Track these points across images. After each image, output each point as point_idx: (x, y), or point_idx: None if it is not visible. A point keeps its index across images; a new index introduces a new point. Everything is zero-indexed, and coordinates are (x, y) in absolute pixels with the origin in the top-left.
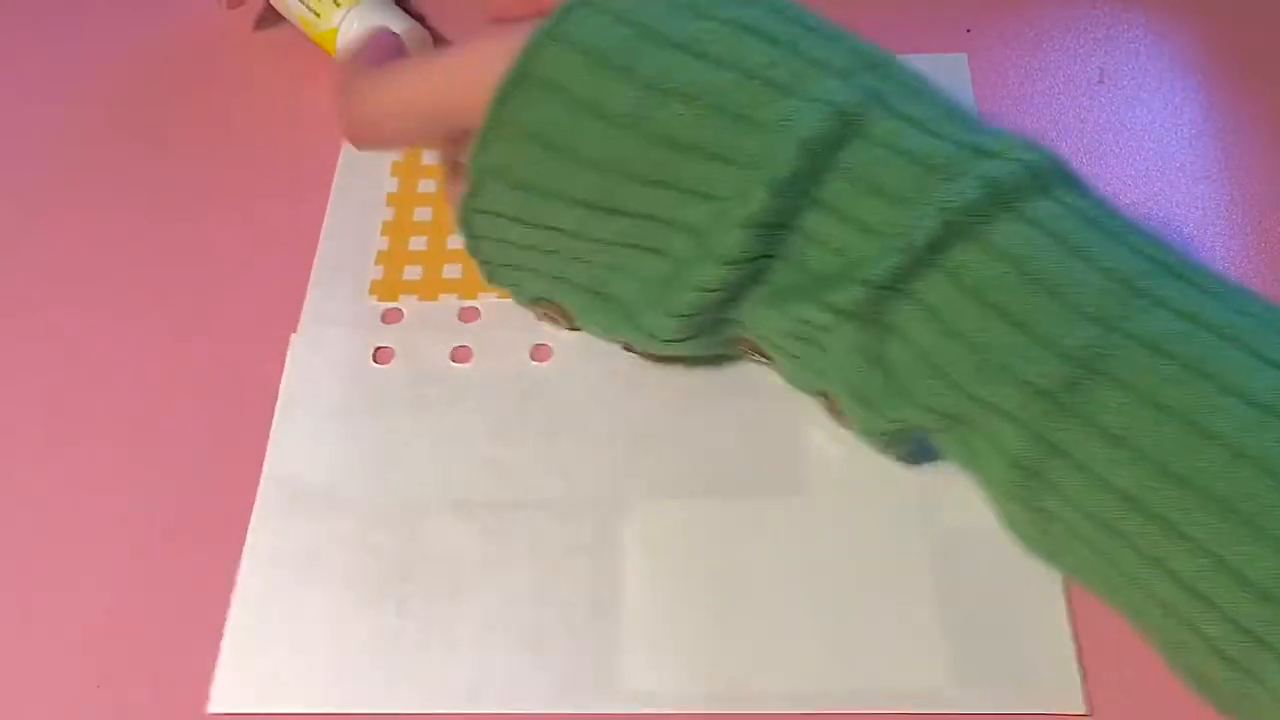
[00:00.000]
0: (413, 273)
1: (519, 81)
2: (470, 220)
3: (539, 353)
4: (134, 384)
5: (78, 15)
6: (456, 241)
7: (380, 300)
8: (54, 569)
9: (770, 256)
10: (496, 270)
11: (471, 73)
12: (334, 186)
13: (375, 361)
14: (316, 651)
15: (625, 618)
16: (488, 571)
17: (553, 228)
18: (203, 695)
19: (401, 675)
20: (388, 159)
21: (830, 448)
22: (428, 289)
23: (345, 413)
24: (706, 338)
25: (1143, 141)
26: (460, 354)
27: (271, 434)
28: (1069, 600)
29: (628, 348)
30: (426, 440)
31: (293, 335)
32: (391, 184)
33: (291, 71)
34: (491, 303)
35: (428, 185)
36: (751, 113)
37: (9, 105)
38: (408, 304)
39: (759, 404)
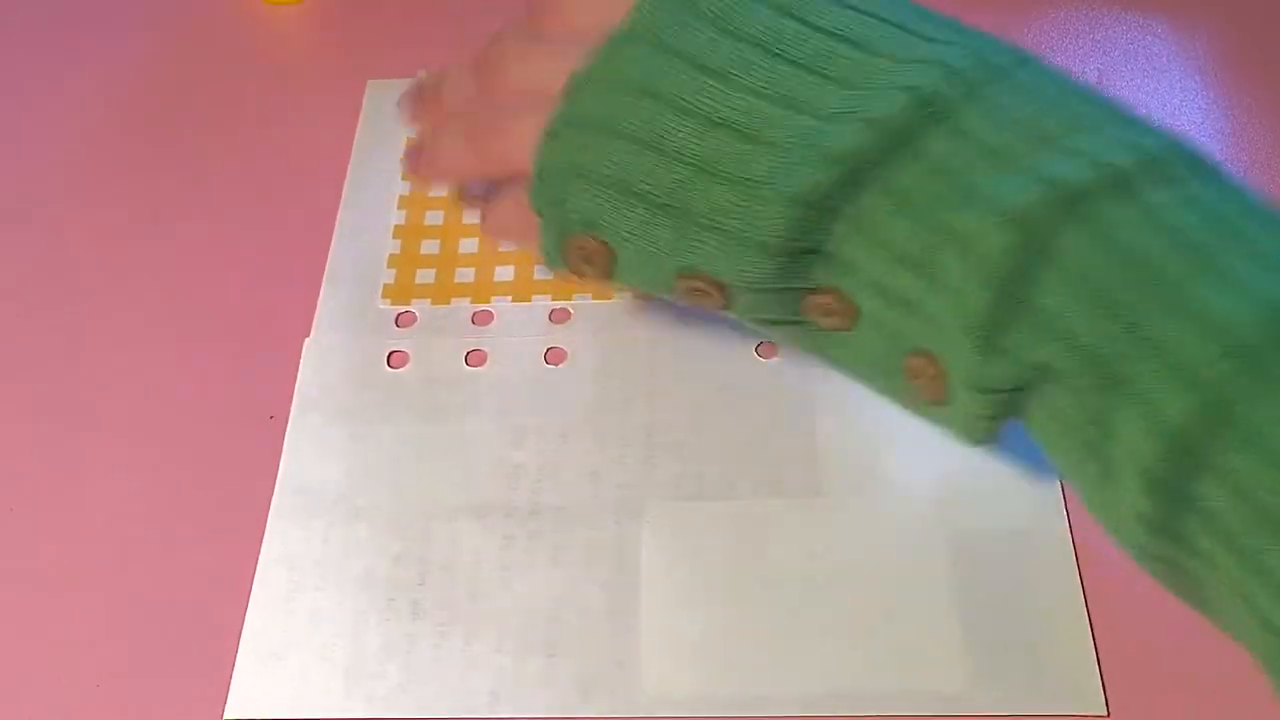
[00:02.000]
0: (425, 276)
1: None
2: (577, 91)
3: (553, 355)
4: (148, 389)
5: (87, 15)
6: (469, 245)
7: (393, 304)
8: (68, 574)
9: (902, 145)
10: (550, 178)
11: None
12: (345, 189)
13: (389, 366)
14: (334, 657)
15: (644, 621)
16: (506, 576)
17: (667, 98)
18: (220, 701)
19: (420, 679)
20: (397, 166)
21: (849, 450)
22: (440, 293)
23: (360, 417)
24: (788, 279)
25: None
26: (475, 358)
27: (286, 439)
28: (1087, 601)
29: (685, 280)
30: (442, 444)
31: (306, 340)
32: (403, 187)
33: (305, 73)
34: (505, 306)
35: (439, 189)
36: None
37: (18, 105)
38: (420, 308)
39: (776, 406)
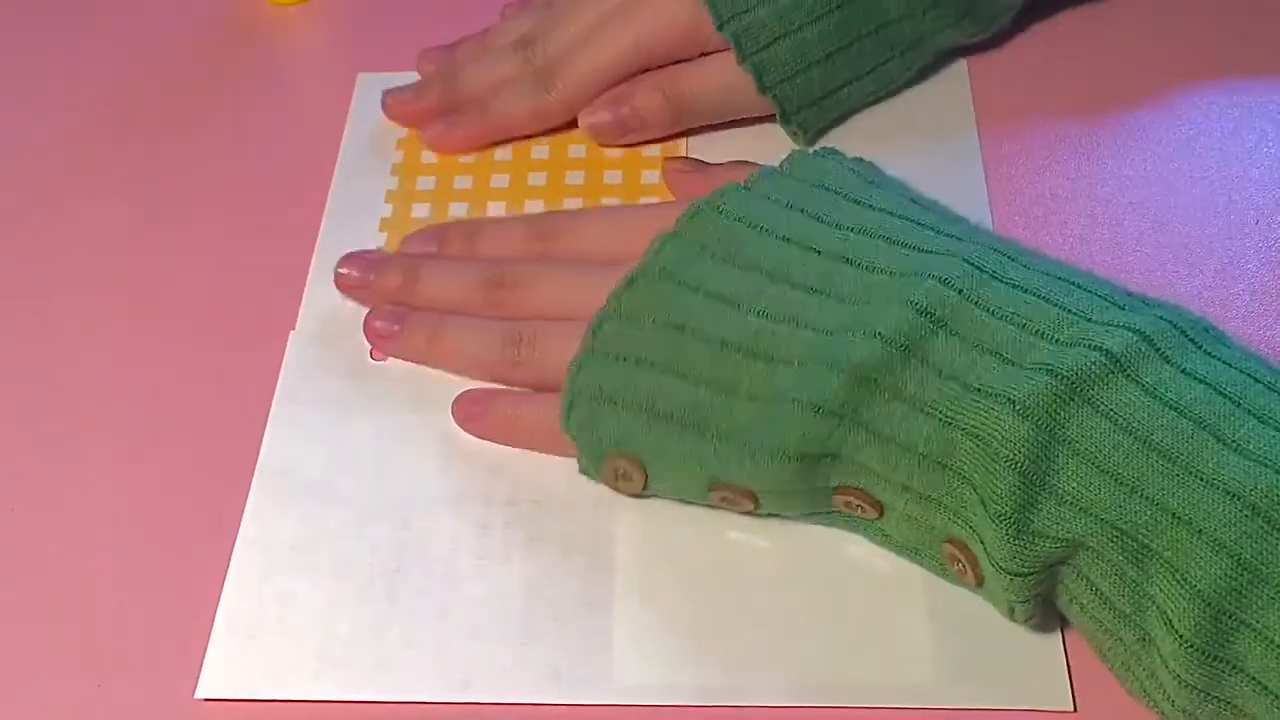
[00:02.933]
0: None
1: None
2: (600, 327)
3: None
4: (132, 377)
5: (75, 9)
6: None
7: None
8: (45, 554)
9: (909, 354)
10: (579, 405)
11: None
12: (334, 182)
13: (373, 357)
14: (307, 639)
15: (617, 610)
16: (481, 564)
17: (686, 329)
18: (192, 681)
19: (391, 664)
20: (388, 155)
21: None
22: None
23: (342, 406)
24: (810, 481)
25: (1140, 142)
26: None
27: (268, 425)
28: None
29: (717, 490)
30: (422, 434)
31: (291, 332)
32: (391, 182)
33: (292, 65)
34: None
35: (426, 183)
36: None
37: (14, 103)
38: None
39: None
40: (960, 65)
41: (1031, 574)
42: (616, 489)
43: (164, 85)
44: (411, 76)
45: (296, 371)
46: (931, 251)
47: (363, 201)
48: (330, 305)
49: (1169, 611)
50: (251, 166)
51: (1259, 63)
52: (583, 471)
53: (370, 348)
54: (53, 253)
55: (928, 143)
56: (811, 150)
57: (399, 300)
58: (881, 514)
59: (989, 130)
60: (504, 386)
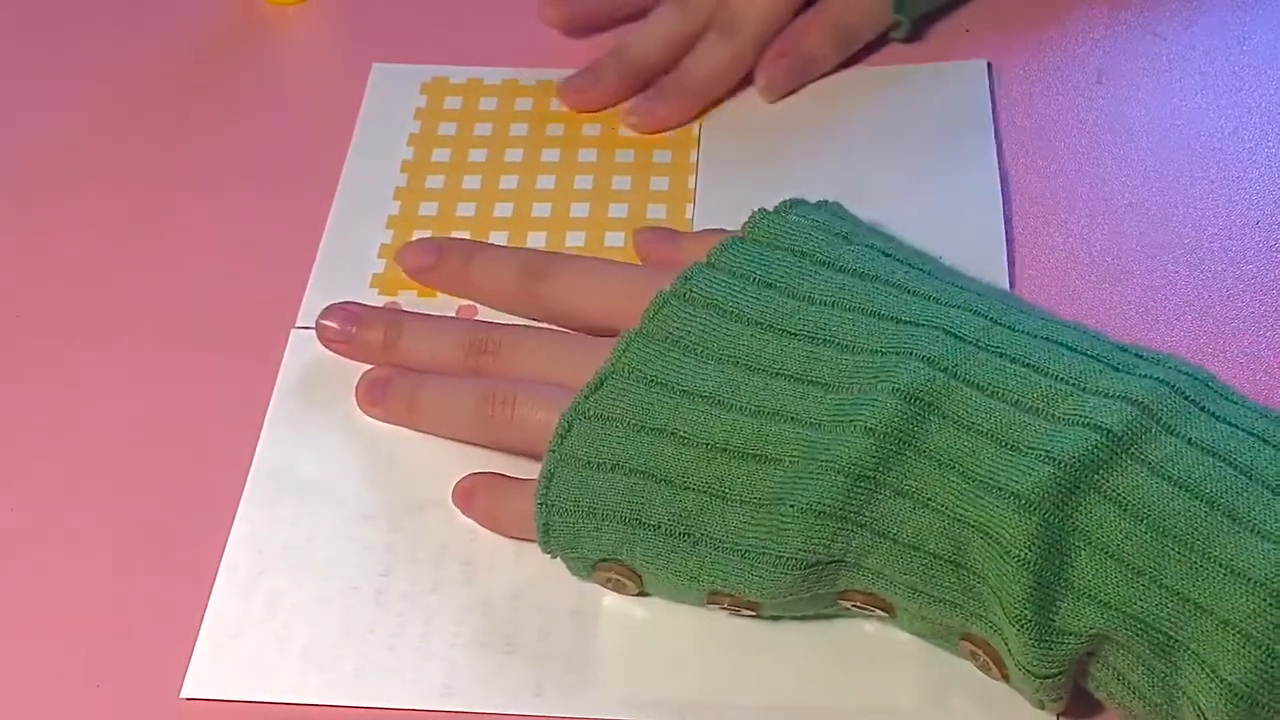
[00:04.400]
0: None
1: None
2: (569, 430)
3: None
4: (132, 375)
5: (74, 9)
6: (460, 238)
7: (381, 294)
8: (37, 551)
9: (905, 446)
10: (556, 522)
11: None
12: (341, 179)
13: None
14: (293, 641)
15: (603, 623)
16: (470, 570)
17: (665, 431)
18: (178, 680)
19: (375, 668)
20: (398, 152)
21: None
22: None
23: (338, 407)
24: (814, 587)
25: (1141, 142)
26: None
27: (265, 424)
28: None
29: (715, 598)
30: (416, 437)
31: (292, 330)
32: (400, 179)
33: (293, 65)
34: None
35: (435, 181)
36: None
37: (20, 101)
38: (407, 299)
39: None
40: (980, 66)
41: (1060, 674)
42: (617, 591)
43: (164, 86)
44: (424, 70)
45: (296, 369)
46: (911, 322)
47: (371, 198)
48: (333, 296)
49: (1201, 705)
50: (253, 166)
51: (1259, 63)
52: (575, 574)
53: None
54: (53, 252)
55: (944, 141)
56: (773, 208)
57: (381, 357)
58: (893, 614)
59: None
60: (495, 472)
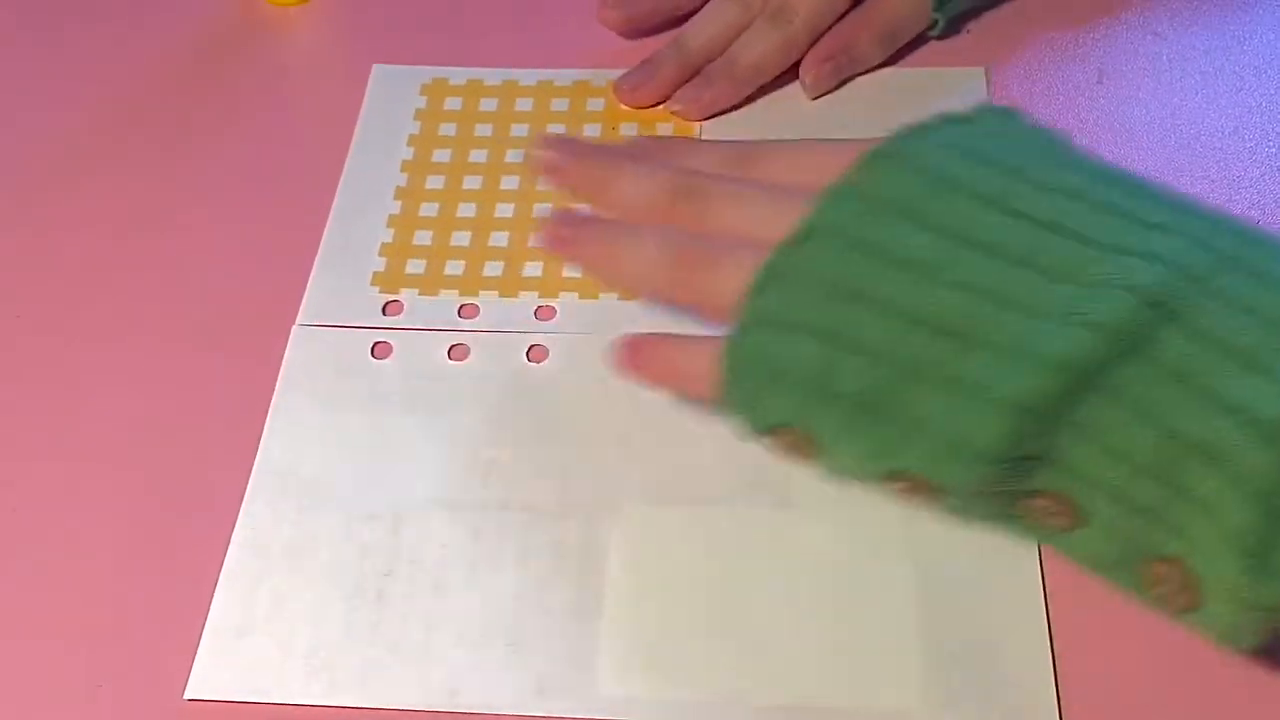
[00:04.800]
0: (415, 266)
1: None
2: (764, 287)
3: (535, 353)
4: (132, 374)
5: (73, 10)
6: (461, 238)
7: (382, 291)
8: (38, 551)
9: (1132, 350)
10: (738, 382)
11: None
12: (342, 178)
13: (373, 356)
14: (295, 642)
15: (606, 623)
16: (472, 571)
17: (864, 296)
18: (182, 681)
19: (378, 669)
20: (396, 156)
21: None
22: (429, 283)
23: (340, 406)
24: (1006, 483)
25: (1141, 142)
26: (457, 352)
27: (267, 423)
28: (1050, 623)
29: (894, 479)
30: (419, 436)
31: (294, 327)
32: (401, 178)
33: (302, 58)
34: (492, 300)
35: (435, 181)
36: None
37: (21, 101)
38: (408, 297)
39: None
40: (978, 74)
41: (1275, 609)
42: (786, 458)
43: (164, 86)
44: (424, 70)
45: (297, 368)
46: (1156, 226)
47: (371, 197)
48: (334, 295)
49: None
50: (254, 165)
51: (1259, 63)
52: (746, 438)
53: (371, 345)
54: (53, 252)
55: None
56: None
57: (590, 195)
58: (1078, 524)
59: None
60: (670, 333)
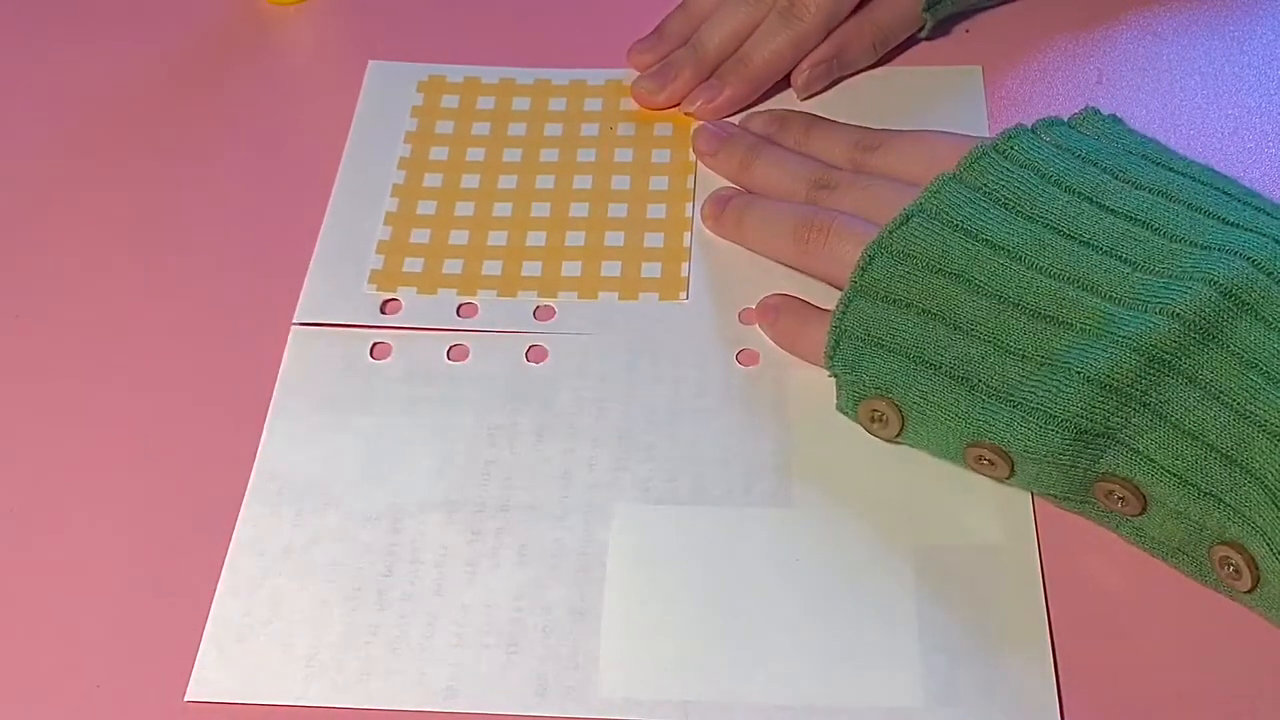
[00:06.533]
0: (413, 265)
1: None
2: (870, 262)
3: (534, 354)
4: (131, 374)
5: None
6: (459, 237)
7: (380, 290)
8: (38, 552)
9: (1209, 338)
10: (845, 346)
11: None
12: (339, 176)
13: (372, 357)
14: (296, 644)
15: (605, 623)
16: (471, 571)
17: (961, 276)
18: (182, 683)
19: (378, 671)
20: (394, 153)
21: (820, 462)
22: (427, 282)
23: (339, 406)
24: (1077, 458)
25: None
26: (456, 352)
27: (266, 424)
28: (1050, 621)
29: (973, 449)
30: (418, 437)
31: (293, 327)
32: (398, 176)
33: (300, 56)
34: (490, 299)
35: (433, 179)
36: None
37: (21, 101)
38: (406, 296)
39: (750, 414)
40: (975, 73)
41: None
42: (870, 431)
43: (164, 85)
44: (421, 68)
45: (296, 369)
46: (1239, 225)
47: (368, 195)
48: (331, 294)
49: None
50: (253, 164)
51: (1259, 63)
52: (840, 409)
53: (370, 345)
54: (51, 251)
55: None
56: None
57: (736, 176)
58: (1144, 509)
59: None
60: (800, 298)
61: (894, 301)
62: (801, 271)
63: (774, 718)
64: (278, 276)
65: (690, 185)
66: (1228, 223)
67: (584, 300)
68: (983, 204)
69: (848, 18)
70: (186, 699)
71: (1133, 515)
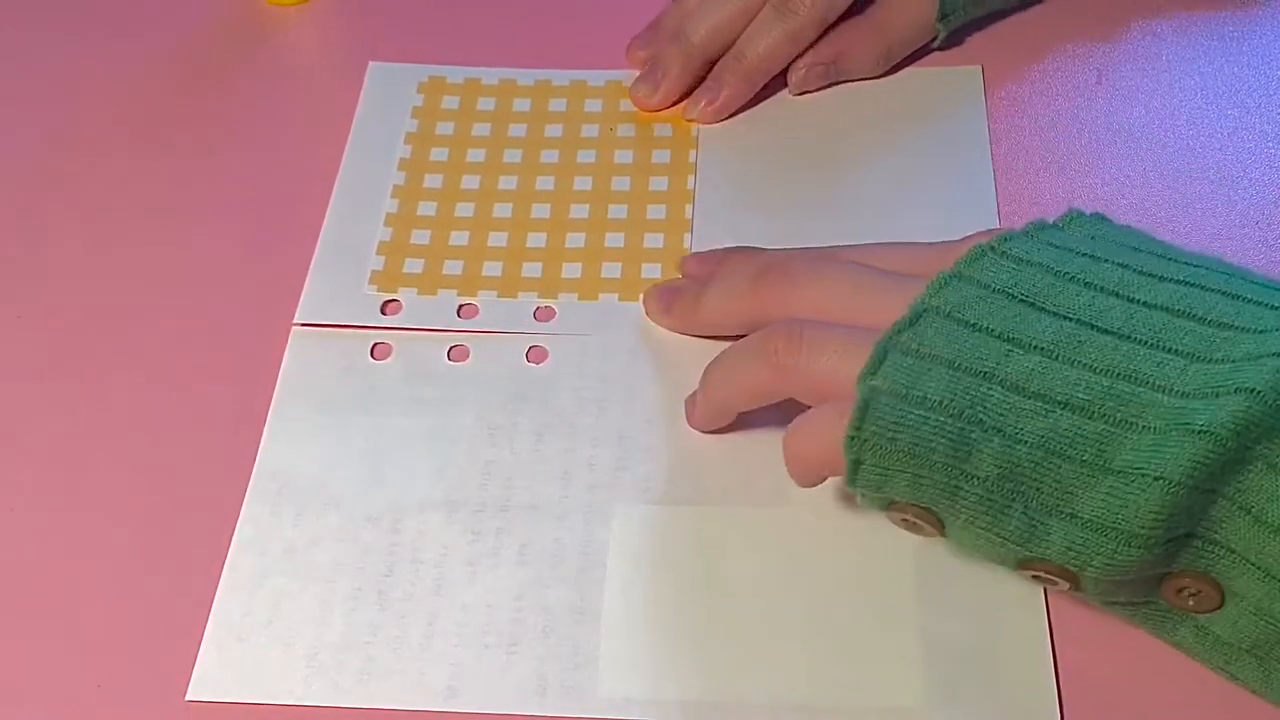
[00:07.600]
0: (414, 266)
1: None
2: (883, 361)
3: (535, 354)
4: (132, 373)
5: (77, 5)
6: (459, 238)
7: (380, 290)
8: (38, 552)
9: None
10: (868, 460)
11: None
12: (339, 176)
13: (372, 357)
14: (297, 643)
15: (605, 623)
16: (471, 571)
17: (994, 377)
18: (183, 682)
19: (379, 670)
20: (394, 154)
21: None
22: (428, 283)
23: (339, 407)
24: (1154, 565)
25: (1140, 142)
26: (457, 353)
27: (267, 425)
28: (1050, 622)
29: (1029, 566)
30: (418, 437)
31: (293, 327)
32: (398, 177)
33: (300, 57)
34: (491, 300)
35: (433, 180)
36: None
37: (21, 102)
38: (407, 297)
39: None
40: (975, 73)
41: None
42: (910, 532)
43: (164, 85)
44: (421, 69)
45: (297, 369)
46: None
47: (369, 196)
48: (332, 294)
49: None
50: (253, 164)
51: (1259, 63)
52: (862, 504)
53: (371, 346)
54: (52, 251)
55: (939, 143)
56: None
57: (686, 325)
58: (1220, 605)
59: (997, 131)
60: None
61: (919, 402)
62: (782, 391)
63: (774, 718)
64: (278, 277)
65: (690, 186)
66: (1270, 306)
67: (584, 301)
68: (1000, 301)
69: (847, 14)
70: (187, 698)
71: (1209, 611)
